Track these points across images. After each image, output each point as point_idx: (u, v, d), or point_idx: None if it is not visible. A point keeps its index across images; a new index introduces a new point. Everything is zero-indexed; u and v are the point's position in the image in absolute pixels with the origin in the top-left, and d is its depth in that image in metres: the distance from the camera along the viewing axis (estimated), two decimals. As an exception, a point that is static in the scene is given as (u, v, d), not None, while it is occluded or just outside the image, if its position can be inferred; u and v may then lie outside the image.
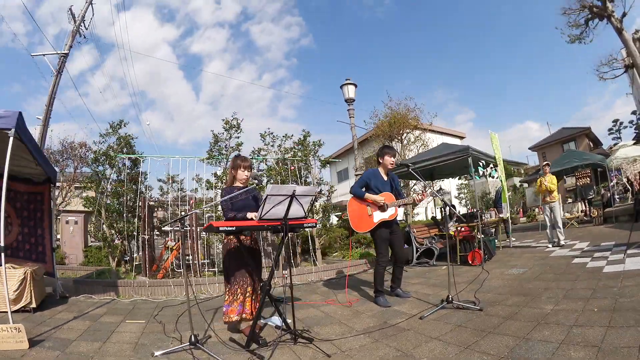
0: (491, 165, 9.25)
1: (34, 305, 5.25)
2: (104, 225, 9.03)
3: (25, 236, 6.69)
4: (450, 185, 22.26)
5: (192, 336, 3.45)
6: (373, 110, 16.40)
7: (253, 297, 3.89)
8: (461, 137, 30.94)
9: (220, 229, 3.65)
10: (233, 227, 3.64)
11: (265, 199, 3.35)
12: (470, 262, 7.19)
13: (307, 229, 7.76)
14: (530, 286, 4.92)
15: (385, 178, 5.09)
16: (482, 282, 5.25)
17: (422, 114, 16.16)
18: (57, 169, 11.97)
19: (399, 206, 4.88)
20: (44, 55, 11.97)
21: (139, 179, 8.94)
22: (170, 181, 9.24)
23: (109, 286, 6.79)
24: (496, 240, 9.59)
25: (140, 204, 8.15)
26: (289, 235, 6.58)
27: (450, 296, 4.26)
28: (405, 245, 7.94)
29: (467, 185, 24.47)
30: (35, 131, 11.18)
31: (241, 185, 4.14)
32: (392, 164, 5.04)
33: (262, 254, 4.64)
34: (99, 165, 9.14)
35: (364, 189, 5.03)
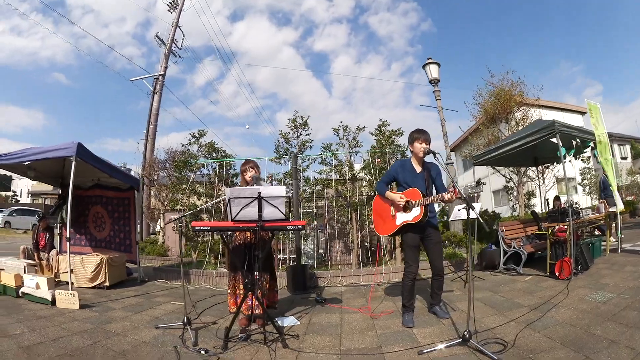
0: (591, 145, 7.92)
1: (107, 283, 7.11)
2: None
3: (116, 232, 8.96)
4: (575, 169, 20.00)
5: (186, 317, 4.36)
6: (476, 90, 15.50)
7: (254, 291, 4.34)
8: (582, 113, 26.35)
9: (196, 228, 4.28)
10: (208, 227, 4.45)
11: (229, 201, 3.75)
12: (557, 274, 6.11)
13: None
14: (599, 330, 3.59)
15: (418, 170, 4.39)
16: (546, 312, 4.29)
17: (526, 87, 14.91)
18: (163, 174, 14.59)
19: (425, 205, 4.13)
20: (142, 78, 14.71)
21: (229, 180, 10.41)
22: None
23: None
24: (603, 243, 8.15)
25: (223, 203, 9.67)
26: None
27: (469, 331, 3.40)
28: (493, 247, 7.57)
29: (590, 169, 21.63)
30: (138, 145, 13.98)
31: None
32: (423, 151, 4.28)
33: (270, 249, 4.79)
34: (181, 172, 10.95)
35: (390, 185, 4.62)
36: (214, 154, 10.56)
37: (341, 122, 9.49)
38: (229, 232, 4.61)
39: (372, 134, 9.33)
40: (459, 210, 6.31)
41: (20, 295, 5.92)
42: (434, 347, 3.43)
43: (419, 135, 4.36)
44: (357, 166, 9.31)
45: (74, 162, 6.22)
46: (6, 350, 3.74)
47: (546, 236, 6.95)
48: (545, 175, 14.03)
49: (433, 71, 11.55)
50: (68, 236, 6.60)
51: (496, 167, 14.05)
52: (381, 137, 9.11)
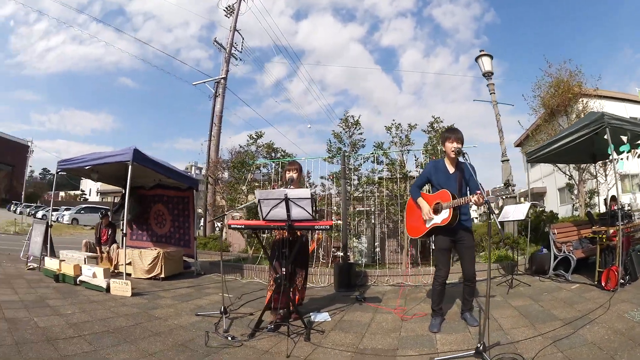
0: None
1: (162, 275, 7.51)
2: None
3: (176, 228, 9.51)
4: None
5: (223, 307, 4.51)
6: (535, 82, 14.62)
7: (287, 287, 4.32)
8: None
9: (232, 226, 4.61)
10: (242, 225, 4.73)
11: (259, 202, 4.04)
12: (603, 284, 5.57)
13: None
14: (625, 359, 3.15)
15: (452, 170, 4.26)
16: (578, 328, 3.83)
17: (584, 77, 13.83)
18: (225, 175, 15.19)
19: (455, 208, 4.02)
20: (204, 82, 15.54)
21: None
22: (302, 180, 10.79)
23: (236, 268, 8.61)
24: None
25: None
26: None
27: (483, 344, 3.18)
28: (544, 250, 7.10)
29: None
30: (202, 146, 14.77)
31: (293, 187, 4.79)
32: (454, 150, 4.13)
33: (306, 248, 5.06)
34: (239, 171, 11.36)
35: (424, 187, 4.56)
36: (272, 154, 10.83)
37: (393, 120, 9.27)
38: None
39: (424, 131, 9.13)
40: (508, 211, 5.99)
41: (77, 283, 6.40)
42: (446, 356, 3.32)
43: (450, 134, 4.26)
44: (410, 165, 9.10)
45: (130, 166, 6.93)
46: (55, 325, 4.09)
47: (597, 240, 6.30)
48: (607, 173, 12.98)
49: (486, 64, 11.02)
50: (124, 231, 7.25)
51: (558, 165, 13.13)
52: (434, 134, 8.87)
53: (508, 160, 10.84)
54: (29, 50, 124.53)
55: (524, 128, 15.27)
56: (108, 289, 5.97)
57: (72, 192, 66.88)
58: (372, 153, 9.14)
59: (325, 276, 7.34)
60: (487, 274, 3.68)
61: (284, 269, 4.11)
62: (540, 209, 13.54)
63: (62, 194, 62.79)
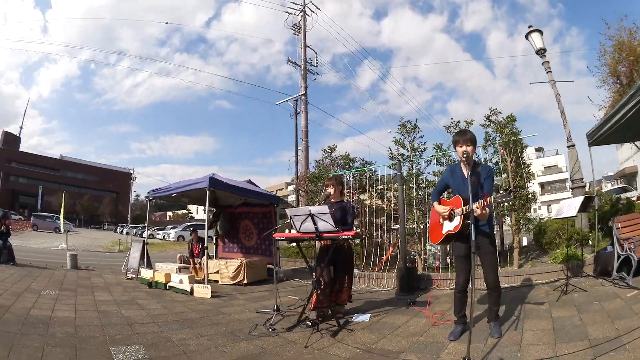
0: None
1: (245, 281, 8.55)
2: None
3: (262, 240, 10.78)
4: None
5: (277, 306, 5.24)
6: (599, 49, 13.05)
7: (330, 289, 5.10)
8: None
9: (276, 239, 5.50)
10: (283, 237, 5.47)
11: (291, 217, 4.82)
12: None
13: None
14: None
15: (467, 174, 4.15)
16: (599, 355, 3.22)
17: None
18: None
19: (464, 214, 3.99)
20: (286, 101, 16.91)
21: (369, 187, 11.35)
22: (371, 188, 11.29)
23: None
24: None
25: (359, 209, 10.63)
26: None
27: (468, 357, 3.18)
28: (609, 248, 6.35)
29: None
30: (289, 162, 16.05)
31: (333, 200, 5.45)
32: (463, 154, 4.07)
33: (350, 255, 5.53)
34: (315, 185, 12.24)
35: (443, 193, 4.54)
36: (350, 164, 11.55)
37: (452, 118, 9.29)
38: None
39: (482, 125, 8.88)
40: (563, 206, 5.81)
41: (167, 288, 7.65)
42: None
43: (459, 137, 4.19)
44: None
45: (208, 192, 8.37)
46: (137, 315, 5.23)
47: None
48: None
49: (536, 40, 10.30)
50: (206, 245, 9.05)
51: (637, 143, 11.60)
52: (492, 127, 8.67)
53: (573, 145, 9.70)
54: (115, 88, 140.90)
55: (592, 101, 13.47)
56: (192, 292, 7.11)
57: (179, 212, 74.41)
58: (433, 155, 9.24)
59: (391, 280, 7.71)
60: (472, 282, 3.88)
61: (318, 274, 4.85)
62: (617, 197, 12.04)
63: (169, 213, 70.18)
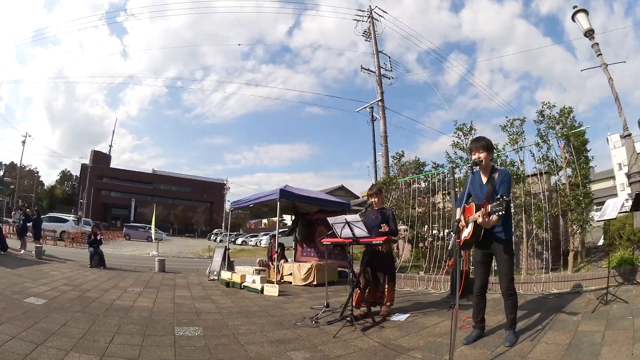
0: None
1: (314, 282, 9.36)
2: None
3: (335, 245, 11.34)
4: None
5: (327, 302, 5.94)
6: None
7: (370, 289, 5.84)
8: None
9: (324, 243, 6.23)
10: (329, 242, 6.08)
11: (332, 225, 5.57)
12: None
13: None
14: None
15: (485, 181, 4.35)
16: None
17: None
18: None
19: (475, 222, 4.12)
20: (364, 108, 17.61)
21: (443, 190, 11.68)
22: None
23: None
24: None
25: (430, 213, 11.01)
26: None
27: None
28: None
29: None
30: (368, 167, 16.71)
31: (375, 208, 6.19)
32: (478, 159, 4.25)
33: (388, 258, 6.03)
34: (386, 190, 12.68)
35: (468, 200, 4.59)
36: (421, 168, 11.94)
37: (506, 117, 9.11)
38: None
39: (536, 121, 8.64)
40: (607, 206, 5.73)
41: (242, 287, 8.66)
42: None
43: (472, 145, 4.46)
44: (529, 164, 8.66)
45: (278, 203, 9.59)
46: (206, 307, 6.24)
47: None
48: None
49: (582, 21, 9.80)
50: (277, 250, 10.26)
51: None
52: (547, 123, 8.44)
53: (629, 135, 8.93)
54: (205, 102, 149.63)
55: None
56: (262, 291, 8.03)
57: (274, 219, 78.28)
58: (496, 154, 8.97)
59: (447, 283, 7.95)
60: (455, 286, 4.13)
61: (357, 275, 5.62)
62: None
63: (265, 220, 73.37)
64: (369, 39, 18.14)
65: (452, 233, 4.62)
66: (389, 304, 5.81)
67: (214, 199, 76.33)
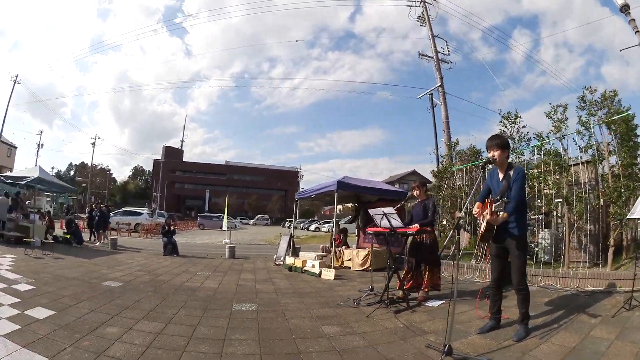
0: None
1: (371, 268, 9.86)
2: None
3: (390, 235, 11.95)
4: None
5: (372, 286, 6.52)
6: None
7: (413, 274, 6.46)
8: None
9: (367, 232, 6.85)
10: (372, 231, 6.69)
11: (373, 216, 6.13)
12: None
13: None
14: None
15: (501, 177, 4.58)
16: None
17: None
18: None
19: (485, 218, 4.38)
20: (425, 94, 17.74)
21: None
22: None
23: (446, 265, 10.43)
24: None
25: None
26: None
27: (448, 346, 3.65)
28: None
29: None
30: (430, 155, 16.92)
31: (419, 200, 6.76)
32: (492, 157, 4.52)
33: (430, 247, 6.43)
34: (439, 180, 12.95)
35: (489, 195, 4.76)
36: (476, 156, 12.16)
37: (550, 103, 8.81)
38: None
39: (578, 107, 8.44)
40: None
41: (303, 272, 9.44)
42: (440, 346, 3.77)
43: (487, 143, 4.66)
44: (572, 152, 8.48)
45: (336, 193, 10.54)
46: (265, 288, 7.13)
47: None
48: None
49: None
50: (333, 237, 11.02)
51: None
52: (589, 109, 8.27)
53: None
54: (274, 93, 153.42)
55: None
56: (320, 275, 8.77)
57: (349, 205, 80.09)
58: (535, 146, 9.16)
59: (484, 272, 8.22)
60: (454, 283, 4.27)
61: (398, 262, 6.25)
62: None
63: (339, 207, 74.94)
64: (423, 24, 18.20)
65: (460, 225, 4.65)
66: (427, 290, 6.30)
67: (288, 187, 78.80)
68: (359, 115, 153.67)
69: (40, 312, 4.73)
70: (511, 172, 4.44)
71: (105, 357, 3.47)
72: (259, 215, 68.86)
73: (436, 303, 6.02)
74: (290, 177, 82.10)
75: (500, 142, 4.55)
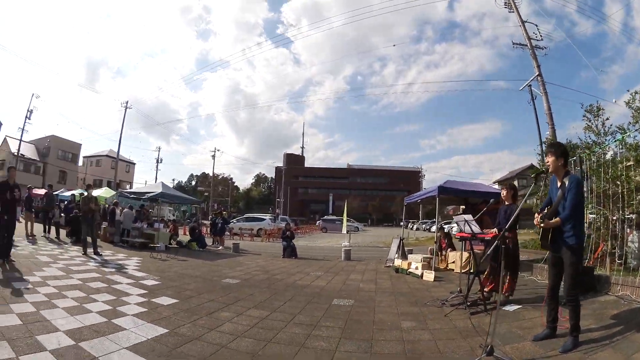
0: None
1: (471, 270, 10.24)
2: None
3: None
4: None
5: (460, 288, 7.12)
6: None
7: (491, 276, 6.85)
8: None
9: (457, 237, 7.58)
10: (459, 236, 7.36)
11: (457, 222, 6.97)
12: None
13: None
14: None
15: (559, 184, 4.62)
16: None
17: None
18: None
19: (541, 226, 4.59)
20: (525, 86, 17.47)
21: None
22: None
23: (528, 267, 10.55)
24: None
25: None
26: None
27: (490, 346, 3.86)
28: None
29: None
30: (534, 150, 16.69)
31: (507, 203, 7.15)
32: (547, 164, 4.66)
33: (513, 253, 6.63)
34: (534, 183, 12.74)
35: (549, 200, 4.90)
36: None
37: (628, 89, 8.14)
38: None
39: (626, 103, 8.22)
40: None
41: (407, 273, 10.27)
42: (488, 347, 3.88)
43: (546, 150, 4.79)
44: None
45: (437, 198, 11.41)
46: (367, 287, 8.19)
47: None
48: None
49: None
50: (444, 240, 11.76)
51: None
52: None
53: None
54: (390, 93, 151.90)
55: None
56: (421, 276, 9.57)
57: (461, 207, 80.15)
58: (616, 140, 8.70)
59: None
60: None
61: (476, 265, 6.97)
62: None
63: (463, 206, 73.80)
64: (512, 10, 17.59)
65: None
66: (507, 294, 6.61)
67: (411, 187, 78.40)
68: (476, 107, 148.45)
69: (165, 300, 6.24)
70: (566, 181, 4.47)
71: (216, 332, 4.77)
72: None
73: (513, 307, 6.24)
74: (412, 178, 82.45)
75: (555, 150, 4.63)
